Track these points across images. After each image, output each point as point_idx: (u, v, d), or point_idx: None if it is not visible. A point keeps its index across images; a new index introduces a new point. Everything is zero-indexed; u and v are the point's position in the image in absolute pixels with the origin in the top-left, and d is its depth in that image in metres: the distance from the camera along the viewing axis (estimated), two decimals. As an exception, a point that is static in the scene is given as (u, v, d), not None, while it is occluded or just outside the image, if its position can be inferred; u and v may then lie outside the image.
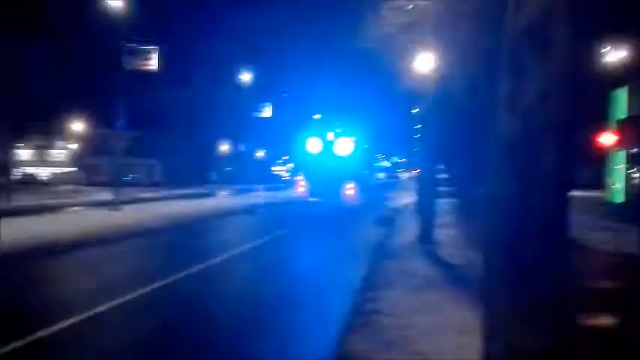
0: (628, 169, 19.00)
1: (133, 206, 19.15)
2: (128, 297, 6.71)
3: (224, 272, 9.05)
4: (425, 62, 12.54)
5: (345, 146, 22.93)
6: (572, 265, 2.51)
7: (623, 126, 18.13)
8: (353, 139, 23.15)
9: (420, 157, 16.72)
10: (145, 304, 6.64)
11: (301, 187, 21.38)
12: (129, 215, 15.92)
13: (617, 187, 19.55)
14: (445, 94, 12.18)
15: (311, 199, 20.92)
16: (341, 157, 22.56)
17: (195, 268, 8.78)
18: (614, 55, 19.75)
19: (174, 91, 50.57)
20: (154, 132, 47.57)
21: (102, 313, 6.08)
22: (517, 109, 2.45)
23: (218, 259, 9.83)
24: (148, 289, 7.22)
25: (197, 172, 58.18)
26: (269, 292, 7.61)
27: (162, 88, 49.04)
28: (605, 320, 6.12)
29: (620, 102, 18.86)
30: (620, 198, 19.19)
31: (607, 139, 18.11)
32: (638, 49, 17.99)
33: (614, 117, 19.11)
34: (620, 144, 18.19)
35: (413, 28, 12.05)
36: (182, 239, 13.38)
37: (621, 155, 19.17)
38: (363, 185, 22.83)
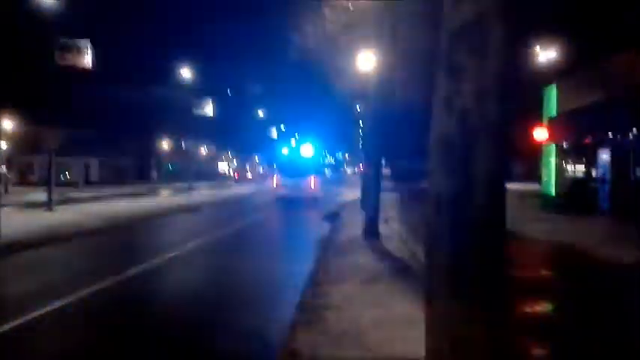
0: (560, 162, 20.06)
1: (67, 206, 18.29)
2: (53, 306, 6.36)
3: (162, 274, 8.82)
4: (366, 61, 12.73)
5: (307, 149, 29.94)
6: (507, 257, 2.62)
7: (552, 123, 19.18)
8: (311, 144, 30.61)
9: (364, 153, 17.04)
10: (72, 313, 6.34)
11: (276, 182, 27.06)
12: (62, 216, 15.20)
13: (549, 180, 20.60)
14: (386, 92, 12.41)
15: (283, 191, 25.83)
16: (304, 158, 28.82)
17: (132, 271, 8.49)
18: (544, 55, 20.78)
19: (111, 87, 48.76)
20: (90, 130, 45.60)
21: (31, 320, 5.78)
22: (454, 108, 2.51)
23: (157, 260, 9.56)
24: (78, 295, 6.89)
25: (137, 170, 56.43)
26: (210, 293, 7.47)
27: (98, 85, 47.17)
28: (541, 307, 6.46)
29: (551, 99, 19.88)
30: (552, 191, 20.24)
31: (540, 134, 19.10)
32: (565, 49, 19.01)
33: (546, 113, 20.12)
34: (551, 139, 19.23)
35: (353, 27, 12.21)
36: (118, 240, 12.90)
37: (552, 149, 20.21)
38: (322, 179, 29.68)
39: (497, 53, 2.48)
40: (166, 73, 52.60)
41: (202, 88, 50.67)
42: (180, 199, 24.36)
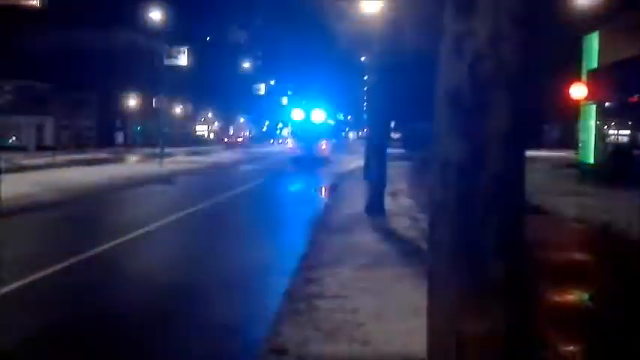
0: (601, 126, 19.97)
1: (12, 175, 18.12)
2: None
3: (131, 254, 8.84)
4: (370, 1, 12.50)
5: (318, 115, 38.42)
6: (528, 235, 2.57)
7: (592, 78, 19.01)
8: (323, 110, 39.86)
9: (368, 115, 16.90)
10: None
11: (291, 144, 38.26)
12: (9, 188, 15.12)
13: (587, 147, 20.55)
14: (393, 39, 12.22)
15: (298, 152, 34.57)
16: (315, 124, 37.44)
17: (91, 252, 8.49)
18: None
19: (66, 32, 48.09)
20: (43, 83, 45.13)
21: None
22: (464, 53, 2.42)
23: (126, 238, 9.57)
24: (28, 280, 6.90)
25: (99, 133, 56.15)
26: (183, 280, 7.44)
27: (51, 29, 46.53)
28: (574, 297, 6.49)
29: (592, 49, 19.64)
30: (590, 159, 20.21)
31: (577, 91, 18.94)
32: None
33: (586, 66, 19.91)
34: (590, 97, 19.09)
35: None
36: (72, 216, 12.86)
37: (592, 110, 20.07)
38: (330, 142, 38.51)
39: None
40: (133, 15, 51.90)
41: (176, 35, 49.88)
42: (153, 167, 24.30)
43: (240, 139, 73.43)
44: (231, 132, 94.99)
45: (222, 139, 73.54)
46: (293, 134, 38.92)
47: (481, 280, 2.42)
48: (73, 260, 7.91)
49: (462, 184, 2.45)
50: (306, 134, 35.28)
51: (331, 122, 52.95)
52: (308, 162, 31.42)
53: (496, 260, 2.42)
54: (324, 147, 35.13)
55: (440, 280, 2.58)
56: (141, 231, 10.28)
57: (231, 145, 64.06)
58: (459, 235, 2.47)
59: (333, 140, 49.38)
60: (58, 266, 7.56)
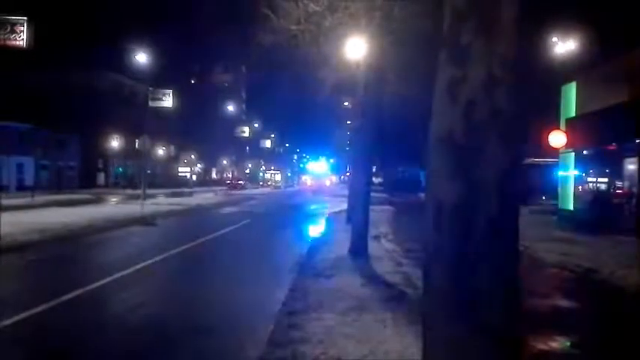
0: (579, 173, 20.27)
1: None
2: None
3: (105, 300, 8.61)
4: (355, 48, 12.70)
5: (321, 166, 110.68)
6: (521, 282, 2.54)
7: (571, 126, 19.41)
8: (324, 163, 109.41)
9: (351, 159, 17.00)
10: None
11: (308, 183, 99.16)
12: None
13: (566, 194, 20.81)
14: (378, 85, 12.39)
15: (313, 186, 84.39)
16: (322, 171, 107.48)
17: (63, 297, 8.26)
18: (562, 47, 21.07)
19: (49, 74, 48.17)
20: (23, 124, 44.81)
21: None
22: (458, 99, 2.45)
23: (100, 283, 9.36)
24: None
25: (81, 174, 55.62)
26: (154, 325, 7.27)
27: (34, 71, 46.56)
28: (557, 344, 6.42)
29: (570, 99, 20.12)
30: (569, 205, 20.44)
31: (556, 139, 19.30)
32: (586, 40, 19.29)
33: (564, 115, 20.35)
34: (569, 145, 19.45)
35: (340, 7, 12.17)
36: (50, 259, 12.59)
37: (571, 158, 20.42)
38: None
39: (508, 34, 2.43)
40: (117, 56, 52.19)
41: (161, 77, 50.17)
42: (133, 208, 24.02)
43: (241, 182, 76.70)
44: (214, 174, 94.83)
45: (226, 182, 78.47)
46: (310, 175, 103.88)
47: (479, 327, 2.37)
48: (43, 307, 7.64)
49: (456, 229, 2.43)
50: (316, 175, 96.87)
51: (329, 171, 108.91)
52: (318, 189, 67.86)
53: (491, 303, 2.38)
54: (328, 182, 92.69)
55: (435, 326, 2.52)
56: (117, 275, 10.04)
57: (232, 187, 68.56)
58: (456, 281, 2.42)
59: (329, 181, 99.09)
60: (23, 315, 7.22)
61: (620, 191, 18.43)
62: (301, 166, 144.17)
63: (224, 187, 67.72)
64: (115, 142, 59.83)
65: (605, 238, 14.67)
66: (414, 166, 61.57)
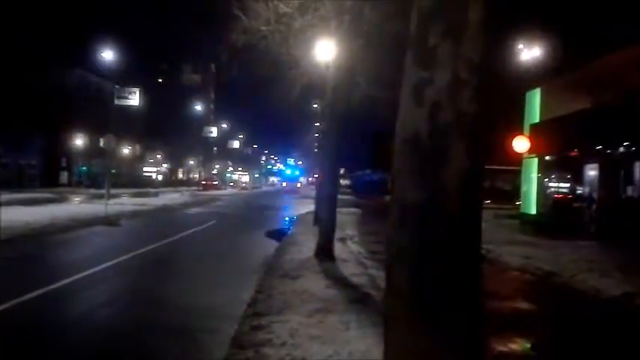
0: (542, 178, 20.68)
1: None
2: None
3: (66, 300, 8.44)
4: (324, 51, 12.73)
5: (293, 170, 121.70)
6: (483, 284, 2.56)
7: (535, 132, 19.79)
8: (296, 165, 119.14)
9: (320, 161, 17.02)
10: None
11: (283, 184, 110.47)
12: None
13: (529, 198, 21.20)
14: (346, 88, 12.42)
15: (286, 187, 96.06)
16: (293, 173, 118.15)
17: (23, 298, 8.08)
18: (528, 54, 21.48)
19: (11, 69, 46.83)
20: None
21: None
22: (424, 101, 2.47)
23: (65, 282, 9.17)
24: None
25: (44, 171, 54.33)
26: (128, 324, 7.18)
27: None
28: (518, 346, 6.53)
29: (534, 105, 20.51)
30: (532, 210, 20.83)
31: (520, 145, 19.66)
32: (551, 48, 19.71)
33: (528, 121, 20.73)
34: (532, 151, 19.83)
35: (310, 9, 12.19)
36: (11, 257, 12.29)
37: (534, 163, 20.81)
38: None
39: (475, 37, 2.45)
40: (83, 53, 51.24)
41: (127, 75, 49.40)
42: (95, 208, 23.59)
43: (215, 182, 77.23)
44: (180, 174, 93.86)
45: (200, 182, 79.08)
46: (283, 178, 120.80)
47: (439, 325, 2.39)
48: (2, 307, 7.46)
49: (419, 230, 2.44)
50: (288, 178, 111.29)
51: (298, 173, 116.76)
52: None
53: (456, 307, 2.40)
54: (299, 184, 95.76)
55: (397, 325, 2.52)
56: (79, 275, 9.85)
57: (207, 187, 68.51)
58: (417, 282, 2.43)
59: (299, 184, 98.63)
60: None
61: (580, 196, 18.86)
62: (269, 167, 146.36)
63: (196, 188, 67.42)
64: (80, 141, 58.70)
65: (567, 242, 14.99)
66: (383, 169, 62.05)
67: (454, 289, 2.41)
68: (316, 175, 30.82)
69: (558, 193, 20.29)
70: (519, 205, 22.90)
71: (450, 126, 2.42)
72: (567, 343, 6.71)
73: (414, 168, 2.47)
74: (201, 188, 68.62)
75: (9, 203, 24.98)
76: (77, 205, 27.79)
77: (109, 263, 11.28)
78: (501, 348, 6.17)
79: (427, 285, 2.42)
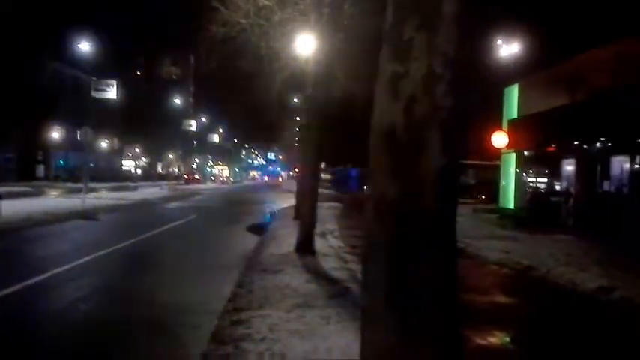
0: (520, 173, 20.92)
1: None
2: None
3: (42, 295, 8.35)
4: (304, 45, 12.72)
5: (274, 165, 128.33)
6: (458, 278, 2.59)
7: (513, 127, 20.01)
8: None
9: (300, 155, 16.99)
10: None
11: (264, 178, 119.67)
12: None
13: (507, 193, 21.43)
14: (325, 83, 12.42)
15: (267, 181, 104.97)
16: (274, 168, 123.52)
17: (5, 290, 7.97)
18: (506, 50, 21.67)
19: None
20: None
21: None
22: (399, 94, 2.47)
23: (42, 276, 9.06)
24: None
25: (20, 165, 53.45)
26: (104, 319, 7.12)
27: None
28: (496, 339, 6.62)
29: (512, 100, 20.71)
30: (510, 204, 21.06)
31: (499, 140, 19.85)
32: (529, 43, 19.92)
33: (506, 116, 20.93)
34: (511, 146, 20.04)
35: (290, 2, 12.17)
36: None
37: (512, 158, 21.04)
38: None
39: (450, 30, 2.46)
40: (59, 44, 50.38)
41: (105, 67, 48.69)
42: (74, 202, 23.32)
43: (197, 177, 79.29)
44: (159, 169, 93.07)
45: (183, 176, 79.73)
46: (264, 172, 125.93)
47: (416, 319, 2.40)
48: None
49: (396, 222, 2.45)
50: (269, 173, 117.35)
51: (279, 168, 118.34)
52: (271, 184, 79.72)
53: (431, 299, 2.42)
54: (280, 179, 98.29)
55: (373, 319, 2.54)
56: (57, 270, 9.76)
57: (188, 181, 70.80)
58: (394, 274, 2.45)
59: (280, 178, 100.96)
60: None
61: (558, 191, 19.12)
62: (249, 162, 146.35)
63: (176, 182, 67.18)
64: (56, 134, 57.82)
65: (545, 236, 15.19)
66: (362, 164, 62.19)
67: (430, 283, 2.43)
68: (297, 170, 30.81)
69: (536, 187, 20.55)
70: (483, 199, 23.12)
71: (426, 120, 2.43)
72: (545, 336, 6.81)
73: (390, 162, 2.48)
74: (182, 182, 69.47)
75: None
76: (54, 200, 27.44)
77: (87, 258, 11.18)
78: (480, 341, 6.24)
79: (403, 279, 2.43)
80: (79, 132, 34.48)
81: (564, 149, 17.99)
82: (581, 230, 15.74)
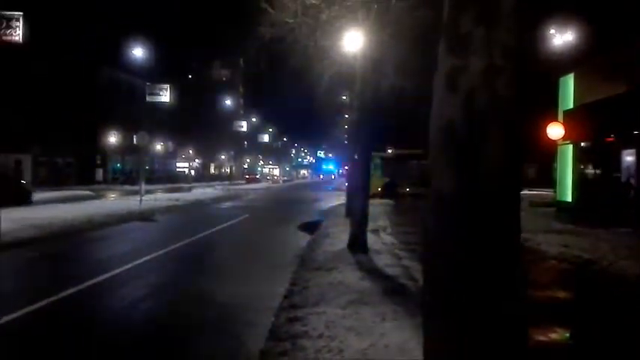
0: (578, 165, 20.26)
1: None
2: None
3: (109, 294, 8.62)
4: (352, 41, 12.67)
5: (329, 164, 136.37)
6: (523, 273, 2.52)
7: (569, 118, 19.39)
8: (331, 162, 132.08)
9: (350, 152, 16.96)
10: None
11: (319, 176, 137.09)
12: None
13: (565, 186, 20.80)
14: (374, 78, 12.34)
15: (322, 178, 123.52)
16: (329, 167, 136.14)
17: (71, 290, 8.26)
18: (560, 39, 21.03)
19: (45, 67, 47.84)
20: (20, 118, 44.54)
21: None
22: (458, 88, 2.42)
23: (104, 276, 9.37)
24: None
25: (79, 169, 55.46)
26: (167, 317, 7.29)
27: (30, 64, 46.25)
28: (556, 335, 6.43)
29: (568, 90, 20.08)
30: (568, 197, 20.44)
31: (554, 131, 19.27)
32: (584, 30, 19.24)
33: (562, 107, 20.31)
34: (567, 137, 19.43)
35: (339, 2, 12.14)
36: (52, 254, 12.59)
37: (569, 150, 20.40)
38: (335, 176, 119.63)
39: (509, 22, 2.40)
40: (115, 51, 51.95)
41: (158, 72, 49.89)
42: (132, 204, 24.02)
43: (257, 176, 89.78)
44: (212, 169, 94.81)
45: (245, 176, 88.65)
46: (318, 171, 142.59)
47: (480, 318, 2.35)
48: (45, 302, 7.68)
49: (456, 218, 2.40)
50: (324, 171, 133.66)
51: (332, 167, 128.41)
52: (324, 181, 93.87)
53: (495, 297, 2.36)
54: (333, 177, 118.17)
55: (434, 316, 2.50)
56: (118, 270, 10.07)
57: (250, 181, 78.51)
58: (456, 272, 2.40)
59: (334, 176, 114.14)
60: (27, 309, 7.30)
61: (618, 183, 18.42)
62: (299, 160, 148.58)
63: (229, 182, 68.41)
64: (113, 138, 59.69)
65: (604, 229, 14.68)
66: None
67: (494, 278, 2.37)
68: (346, 167, 30.80)
69: (594, 179, 19.85)
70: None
71: (486, 113, 2.37)
72: (606, 333, 6.57)
73: (450, 156, 2.43)
74: (244, 182, 75.98)
75: (47, 201, 25.64)
76: (113, 202, 28.32)
77: (146, 257, 11.49)
78: (540, 337, 6.08)
79: (466, 274, 2.38)
80: (135, 136, 35.54)
81: (624, 139, 17.31)
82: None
